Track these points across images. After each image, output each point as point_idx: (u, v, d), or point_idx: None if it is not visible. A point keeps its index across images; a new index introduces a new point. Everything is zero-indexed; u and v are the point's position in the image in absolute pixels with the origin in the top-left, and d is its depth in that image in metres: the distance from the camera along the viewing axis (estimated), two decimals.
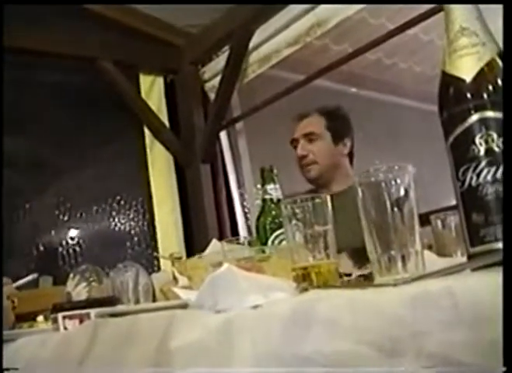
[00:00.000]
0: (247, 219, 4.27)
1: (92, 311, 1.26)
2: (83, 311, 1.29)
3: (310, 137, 2.86)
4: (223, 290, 0.95)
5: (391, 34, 3.45)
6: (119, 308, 1.29)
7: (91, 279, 2.20)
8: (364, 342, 0.59)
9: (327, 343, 0.62)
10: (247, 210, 4.29)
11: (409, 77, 4.98)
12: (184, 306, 1.08)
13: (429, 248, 1.60)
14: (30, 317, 2.08)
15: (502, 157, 0.83)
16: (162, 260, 3.70)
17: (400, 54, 4.80)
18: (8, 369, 1.31)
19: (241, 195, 4.29)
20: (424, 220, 1.71)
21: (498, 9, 0.92)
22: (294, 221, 1.26)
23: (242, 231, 4.22)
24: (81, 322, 1.28)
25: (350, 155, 2.94)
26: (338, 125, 2.91)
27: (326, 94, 4.46)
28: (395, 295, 0.61)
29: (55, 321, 1.34)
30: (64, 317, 1.31)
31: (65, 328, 1.30)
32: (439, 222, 1.64)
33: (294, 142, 2.91)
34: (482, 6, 0.91)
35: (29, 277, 2.29)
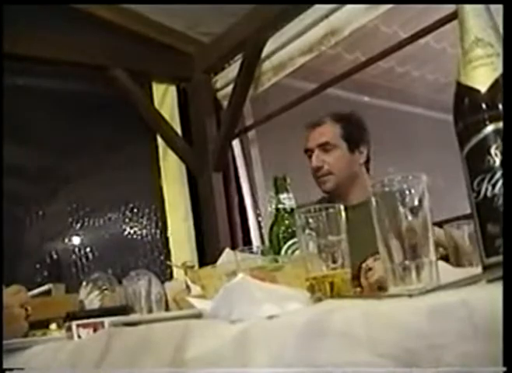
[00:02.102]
0: (260, 227, 4.26)
1: (106, 320, 1.26)
2: (97, 320, 1.29)
3: (324, 147, 2.75)
4: (238, 300, 0.95)
5: (404, 43, 3.45)
6: (133, 317, 1.29)
7: (104, 287, 2.20)
8: (379, 354, 0.59)
9: (342, 354, 0.62)
10: (260, 219, 4.28)
11: (422, 85, 4.98)
12: (199, 316, 1.08)
13: (442, 258, 1.59)
14: (43, 325, 2.09)
15: (502, 168, 0.82)
16: (174, 269, 3.70)
17: (412, 62, 4.80)
18: (11, 369, 1.32)
19: (254, 203, 4.29)
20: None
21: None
22: (307, 231, 1.26)
23: (255, 239, 4.22)
24: (95, 330, 1.28)
25: (367, 162, 2.83)
26: (354, 132, 2.80)
27: (339, 103, 4.46)
28: (410, 307, 0.61)
29: (69, 329, 1.34)
30: (78, 325, 1.31)
31: (79, 336, 1.30)
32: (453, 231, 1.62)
33: (308, 152, 2.80)
34: None
35: (43, 288, 2.30)
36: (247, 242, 4.15)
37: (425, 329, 0.57)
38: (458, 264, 1.56)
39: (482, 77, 0.87)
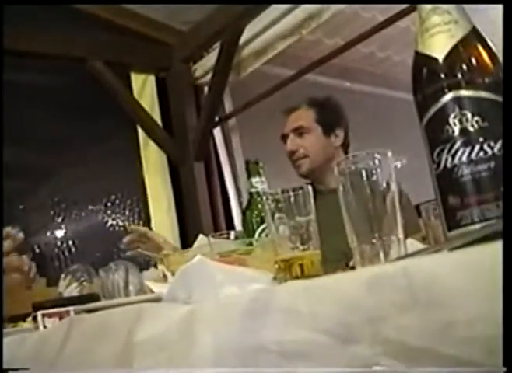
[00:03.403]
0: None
1: (72, 309, 1.24)
2: (63, 309, 1.27)
3: (299, 131, 2.78)
4: (196, 282, 0.93)
5: (382, 26, 3.43)
6: (95, 304, 1.27)
7: (82, 278, 2.19)
8: (321, 330, 0.57)
9: (285, 332, 0.60)
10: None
11: (403, 70, 4.96)
12: (158, 300, 1.06)
13: (424, 239, 1.57)
14: (22, 318, 2.06)
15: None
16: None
17: (393, 46, 4.79)
18: (15, 369, 1.29)
19: (237, 191, 4.27)
20: (419, 211, 1.69)
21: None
22: (277, 214, 1.23)
23: (238, 227, 4.20)
24: (61, 319, 1.26)
25: (345, 147, 2.83)
26: (329, 116, 2.82)
27: (320, 89, 4.43)
28: (351, 278, 0.59)
29: (35, 320, 1.32)
30: (43, 315, 1.28)
31: (45, 326, 1.28)
32: (430, 212, 1.61)
33: (284, 138, 2.83)
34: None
35: None
36: (231, 230, 4.12)
37: (363, 302, 0.54)
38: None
39: (440, 44, 0.84)
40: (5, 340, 1.38)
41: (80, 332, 0.96)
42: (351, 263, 1.57)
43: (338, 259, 1.47)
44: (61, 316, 1.26)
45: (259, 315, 0.63)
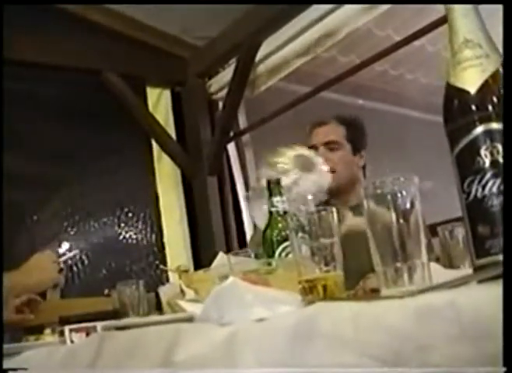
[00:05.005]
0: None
1: (99, 325, 1.26)
2: (90, 324, 1.29)
3: (330, 145, 2.77)
4: (228, 303, 0.95)
5: (398, 46, 3.46)
6: (125, 321, 1.29)
7: None
8: (367, 355, 0.59)
9: (330, 356, 0.62)
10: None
11: (416, 88, 4.99)
12: (190, 319, 1.08)
13: (437, 260, 1.59)
14: (38, 330, 2.08)
15: (503, 167, 0.82)
16: (170, 273, 3.69)
17: (406, 65, 4.81)
18: (14, 369, 1.31)
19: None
20: (432, 231, 1.71)
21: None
22: (300, 234, 1.26)
23: None
24: (87, 335, 1.28)
25: (364, 168, 2.87)
26: (357, 135, 2.83)
27: (333, 106, 4.46)
28: (398, 308, 0.61)
29: (62, 334, 1.34)
30: (70, 330, 1.30)
31: (72, 341, 1.30)
32: (446, 233, 1.62)
33: (312, 149, 2.70)
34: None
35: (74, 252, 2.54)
36: (243, 245, 4.13)
37: (412, 331, 0.56)
38: (451, 266, 1.56)
39: (472, 78, 0.87)
40: (31, 353, 1.40)
41: (113, 348, 0.99)
42: (371, 284, 1.59)
43: (353, 278, 1.49)
44: (88, 332, 1.28)
45: (304, 339, 0.65)
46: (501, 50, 0.89)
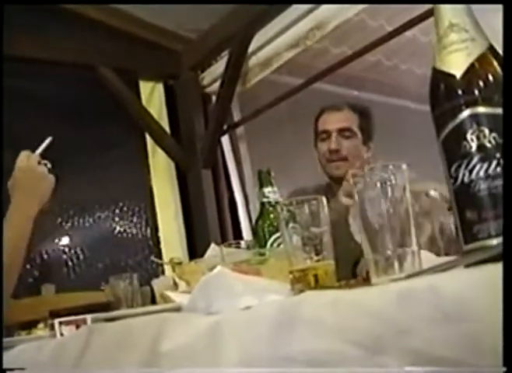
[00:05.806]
0: (251, 223, 4.25)
1: (89, 317, 1.25)
2: (79, 317, 1.28)
3: (345, 132, 2.66)
4: (216, 292, 0.94)
5: (390, 36, 3.45)
6: (114, 313, 1.28)
7: None
8: (348, 341, 0.58)
9: (312, 342, 0.61)
10: (250, 215, 4.27)
11: (410, 78, 4.97)
12: (178, 309, 1.07)
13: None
14: (32, 325, 2.07)
15: (502, 154, 0.81)
16: (166, 266, 3.69)
17: (400, 55, 4.80)
18: (12, 369, 1.31)
19: (244, 199, 4.28)
20: None
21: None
22: (291, 224, 1.25)
23: (246, 235, 4.21)
24: (77, 327, 1.27)
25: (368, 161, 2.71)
26: (369, 126, 2.74)
27: (327, 97, 4.44)
28: (379, 293, 0.60)
29: (52, 327, 1.33)
30: (60, 323, 1.30)
31: (62, 334, 1.30)
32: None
33: (323, 134, 2.68)
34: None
35: (47, 142, 2.25)
36: (238, 238, 4.13)
37: (392, 315, 0.56)
38: (447, 253, 1.57)
39: (457, 62, 0.86)
40: (22, 347, 1.39)
41: (101, 340, 0.98)
42: (360, 271, 1.59)
43: (345, 265, 1.48)
44: (77, 325, 1.27)
45: (286, 327, 0.64)
46: (499, 48, 0.88)
